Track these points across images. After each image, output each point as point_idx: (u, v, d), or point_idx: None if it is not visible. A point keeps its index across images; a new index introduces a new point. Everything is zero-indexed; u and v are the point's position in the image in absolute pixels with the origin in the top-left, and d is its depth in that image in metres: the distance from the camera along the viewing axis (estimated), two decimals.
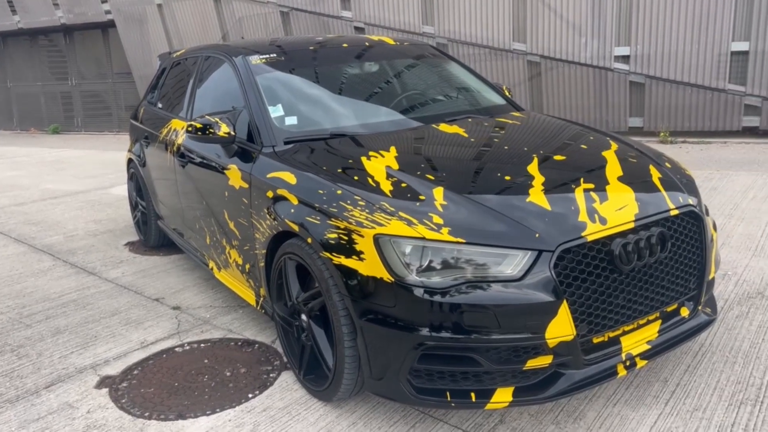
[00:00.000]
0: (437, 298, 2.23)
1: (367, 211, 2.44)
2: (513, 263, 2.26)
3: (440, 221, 2.33)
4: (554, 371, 2.34)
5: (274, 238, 2.92)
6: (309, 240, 2.60)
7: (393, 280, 2.29)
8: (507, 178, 2.60)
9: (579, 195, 2.50)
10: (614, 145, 3.06)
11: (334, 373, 2.61)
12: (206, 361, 3.25)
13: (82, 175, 9.17)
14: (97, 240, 5.62)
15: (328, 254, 2.49)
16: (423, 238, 2.29)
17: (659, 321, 2.58)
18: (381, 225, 2.36)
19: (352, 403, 2.78)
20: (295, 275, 2.86)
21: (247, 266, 3.34)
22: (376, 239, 2.34)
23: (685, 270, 2.62)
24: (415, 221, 2.34)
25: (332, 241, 2.49)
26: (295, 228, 2.68)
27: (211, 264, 3.90)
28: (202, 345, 3.44)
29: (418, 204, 2.43)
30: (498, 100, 3.98)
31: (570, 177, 2.64)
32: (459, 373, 2.33)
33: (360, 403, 2.78)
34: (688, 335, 2.65)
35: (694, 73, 8.75)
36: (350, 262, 2.42)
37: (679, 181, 2.81)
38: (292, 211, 2.73)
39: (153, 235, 5.07)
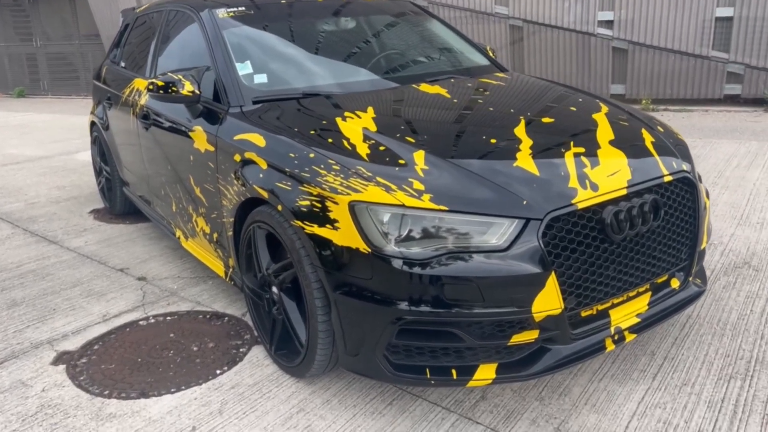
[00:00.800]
0: (417, 269, 2.07)
1: (342, 176, 2.25)
2: (498, 232, 2.10)
3: (421, 187, 2.16)
4: (540, 346, 2.21)
5: (243, 205, 2.72)
6: (279, 207, 2.41)
7: (370, 250, 2.12)
8: (492, 141, 2.43)
9: (569, 160, 2.34)
10: (604, 108, 2.90)
11: (307, 349, 2.45)
12: (172, 335, 3.07)
13: (47, 140, 8.80)
14: (59, 207, 5.36)
15: (299, 223, 2.31)
16: (402, 206, 2.11)
17: (649, 293, 2.46)
18: (357, 191, 2.18)
19: (326, 380, 2.63)
20: (265, 245, 2.68)
21: (215, 235, 3.15)
22: (352, 207, 2.16)
23: (677, 239, 2.49)
24: (394, 187, 2.16)
25: (304, 209, 2.30)
26: (265, 194, 2.48)
27: (178, 233, 3.69)
28: (168, 318, 3.25)
29: (397, 169, 2.25)
30: (481, 60, 3.78)
31: (559, 140, 2.47)
32: (439, 349, 2.18)
33: (334, 380, 2.63)
34: (679, 307, 2.53)
35: (677, 40, 8.61)
36: (324, 232, 2.24)
37: (672, 145, 2.67)
38: (261, 176, 2.54)
39: (118, 203, 4.83)
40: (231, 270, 3.09)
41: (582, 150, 2.41)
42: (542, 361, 2.20)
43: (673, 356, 2.69)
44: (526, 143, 2.41)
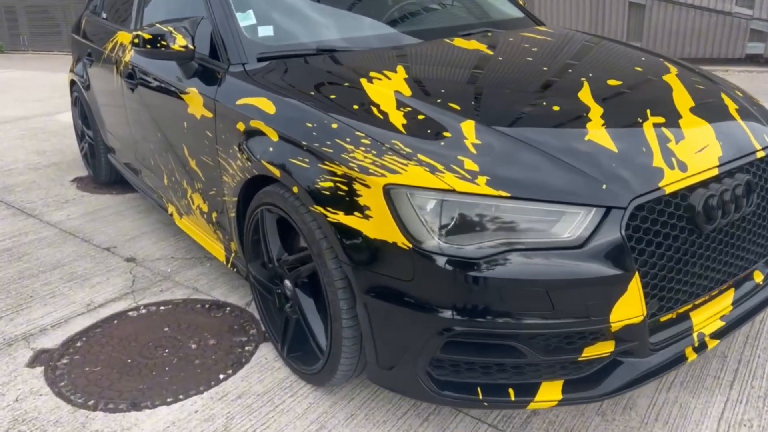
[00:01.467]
0: (470, 271, 1.67)
1: (373, 152, 1.83)
2: (572, 224, 1.69)
3: (474, 167, 1.74)
4: (612, 359, 1.84)
5: (248, 183, 2.30)
6: (294, 189, 1.99)
7: (410, 246, 1.71)
8: (555, 108, 2.00)
9: (649, 132, 1.92)
10: (673, 68, 2.47)
11: (329, 357, 2.06)
12: (167, 329, 2.68)
13: (27, 99, 8.24)
14: (39, 175, 4.90)
15: (320, 209, 1.89)
16: (452, 191, 1.70)
17: (732, 290, 2.08)
18: (394, 172, 1.76)
19: (348, 387, 2.26)
20: (275, 232, 2.26)
21: (214, 215, 2.73)
22: (388, 191, 1.75)
23: (765, 226, 2.10)
24: (440, 167, 1.74)
25: (326, 192, 1.89)
26: (276, 172, 2.06)
27: (171, 209, 3.26)
28: (162, 308, 2.86)
29: (443, 144, 1.82)
30: (514, 12, 3.32)
31: (633, 108, 2.05)
32: (494, 365, 1.80)
33: (358, 387, 2.26)
34: (763, 305, 2.16)
35: None
36: (351, 221, 1.83)
37: (757, 113, 2.25)
38: (271, 149, 2.11)
39: (103, 171, 4.38)
40: (233, 255, 2.69)
41: (662, 120, 1.99)
42: (615, 376, 1.82)
43: (749, 359, 2.33)
44: (596, 111, 1.98)
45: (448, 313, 1.71)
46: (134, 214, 3.99)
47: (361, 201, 1.80)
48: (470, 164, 1.75)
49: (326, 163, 1.91)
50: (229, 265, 2.75)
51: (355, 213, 1.82)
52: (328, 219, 1.88)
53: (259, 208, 2.24)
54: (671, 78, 2.33)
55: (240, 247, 2.55)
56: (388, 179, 1.75)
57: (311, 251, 1.99)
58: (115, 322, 2.76)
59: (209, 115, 2.49)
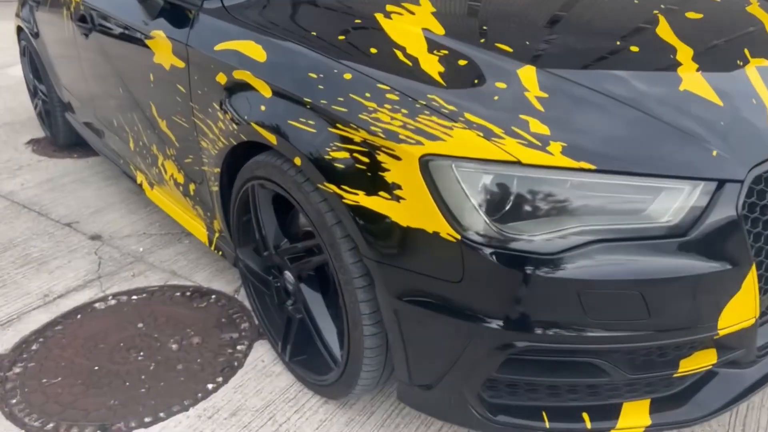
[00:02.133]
0: (541, 269, 1.25)
1: (403, 111, 1.38)
2: (674, 205, 1.28)
3: (543, 129, 1.30)
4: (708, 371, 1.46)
5: (234, 150, 1.84)
6: (297, 160, 1.54)
7: (458, 237, 1.29)
8: (633, 49, 1.55)
9: (754, 78, 1.49)
10: None
11: (345, 369, 1.66)
12: (141, 325, 2.25)
13: None
14: None
15: (333, 187, 1.45)
16: (516, 163, 1.26)
17: None
18: (433, 138, 1.31)
19: (366, 397, 1.87)
20: (271, 212, 1.82)
21: (192, 187, 2.26)
22: (426, 164, 1.31)
23: None
24: (497, 130, 1.30)
25: (340, 165, 1.44)
26: (271, 138, 1.60)
27: (140, 178, 2.78)
28: (135, 298, 2.41)
29: (496, 98, 1.38)
30: None
31: (728, 47, 1.61)
32: (564, 385, 1.41)
33: (378, 397, 1.87)
34: None
35: None
36: (375, 204, 1.39)
37: None
38: (263, 108, 1.64)
39: (61, 132, 3.84)
40: (217, 235, 2.24)
41: (764, 61, 1.56)
42: (712, 392, 1.45)
43: None
44: (685, 52, 1.54)
45: (510, 325, 1.30)
46: (99, 182, 3.49)
47: (389, 177, 1.36)
48: (537, 126, 1.30)
49: (339, 126, 1.45)
50: (212, 248, 2.30)
51: (381, 193, 1.38)
52: (344, 201, 1.43)
53: (249, 182, 1.79)
54: (755, 10, 1.89)
55: (225, 227, 2.10)
56: (426, 148, 1.31)
57: (320, 240, 1.55)
58: (79, 317, 2.32)
59: (180, 64, 2.00)
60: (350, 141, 1.43)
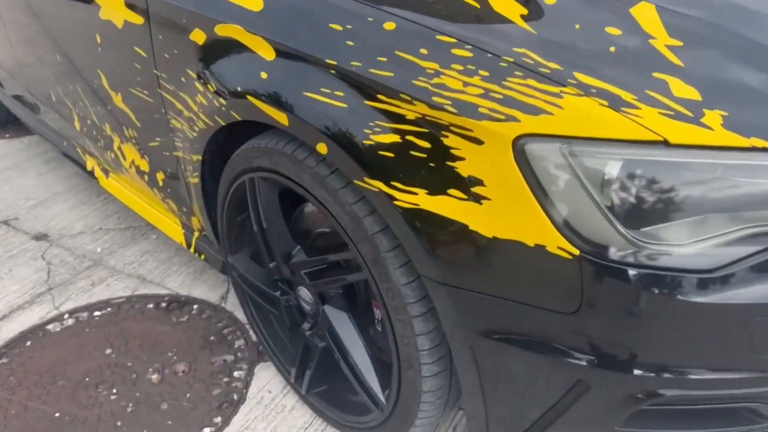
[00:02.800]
0: (699, 292, 0.88)
1: (482, 73, 0.96)
2: None
3: (692, 93, 0.91)
4: None
5: (221, 132, 1.39)
6: (321, 147, 1.11)
7: (576, 251, 0.90)
8: None
9: None
10: None
11: (391, 413, 1.28)
12: (109, 350, 1.82)
13: None
14: None
15: (378, 184, 1.04)
16: (662, 143, 0.87)
17: None
18: (534, 111, 0.91)
19: None
20: (278, 212, 1.39)
21: (160, 177, 1.80)
22: (522, 149, 0.91)
23: None
24: (628, 96, 0.90)
25: (388, 153, 1.03)
26: (279, 116, 1.16)
27: (92, 164, 2.28)
28: (97, 315, 1.97)
29: (612, 49, 0.98)
30: None
31: None
32: None
33: None
34: None
35: None
36: (444, 206, 0.99)
37: None
38: (264, 75, 1.20)
39: None
40: (196, 235, 1.81)
41: None
42: None
43: None
44: None
45: (652, 369, 0.94)
46: (39, 166, 2.96)
47: (464, 169, 0.96)
48: (681, 87, 0.91)
49: (381, 98, 1.03)
50: (191, 250, 1.87)
51: (451, 192, 0.98)
52: (396, 203, 1.03)
53: (245, 174, 1.35)
54: None
55: (209, 226, 1.67)
56: (524, 126, 0.91)
57: (356, 253, 1.15)
58: (29, 344, 1.87)
59: (137, 20, 1.52)
60: (400, 119, 1.02)
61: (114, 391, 1.68)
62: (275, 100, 1.17)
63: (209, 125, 1.39)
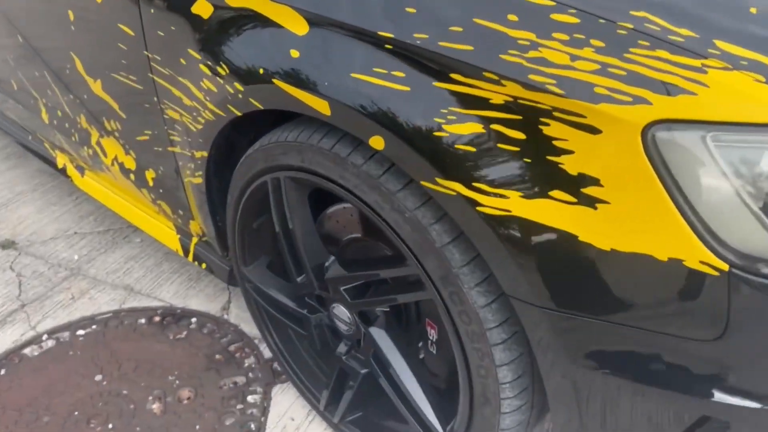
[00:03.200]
0: None
1: (596, 43, 0.76)
2: None
3: None
4: None
5: (235, 124, 1.16)
6: (375, 141, 0.90)
7: (724, 266, 0.72)
8: None
9: None
10: None
11: None
12: (100, 377, 1.58)
13: None
14: None
15: (456, 185, 0.83)
16: None
17: None
18: (670, 91, 0.72)
19: None
20: (309, 218, 1.17)
21: (150, 176, 1.56)
22: (653, 139, 0.72)
23: None
24: None
25: (468, 147, 0.82)
26: (318, 104, 0.94)
27: (63, 161, 2.01)
28: (81, 334, 1.72)
29: (753, 10, 0.79)
30: None
31: None
32: None
33: None
34: None
35: None
36: (544, 211, 0.79)
37: None
38: (297, 54, 0.97)
39: None
40: (195, 240, 1.58)
41: None
42: None
43: None
44: None
45: None
46: (5, 160, 2.66)
47: (572, 165, 0.77)
48: None
49: (457, 78, 0.83)
50: (189, 258, 1.63)
51: (555, 194, 0.78)
52: (481, 209, 0.83)
53: (267, 174, 1.13)
54: None
55: (213, 231, 1.44)
56: (656, 110, 0.72)
57: (421, 269, 0.95)
58: (3, 373, 1.61)
59: None
60: (483, 104, 0.81)
61: (110, 426, 1.45)
62: (311, 85, 0.95)
63: (219, 116, 1.16)
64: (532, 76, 0.78)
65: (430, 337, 1.12)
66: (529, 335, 0.88)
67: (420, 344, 1.18)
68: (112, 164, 1.70)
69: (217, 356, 1.62)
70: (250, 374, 1.57)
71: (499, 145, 0.81)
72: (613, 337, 0.81)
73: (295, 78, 0.97)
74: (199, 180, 1.34)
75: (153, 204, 1.66)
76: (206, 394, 1.52)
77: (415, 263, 0.95)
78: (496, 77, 0.80)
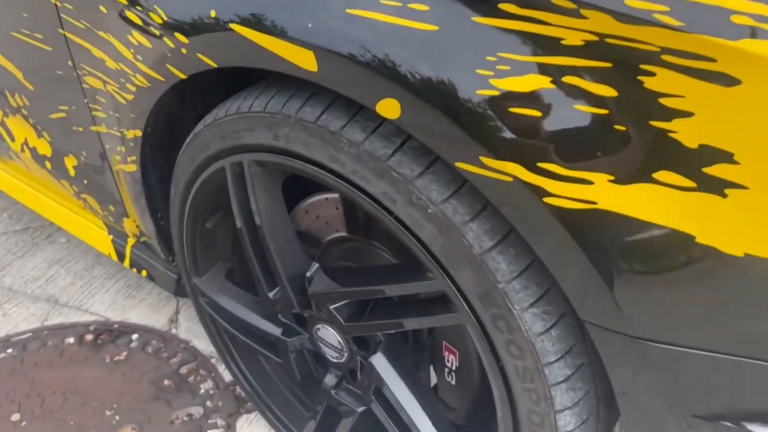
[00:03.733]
0: None
1: None
2: None
3: None
4: None
5: (176, 93, 0.87)
6: (384, 106, 0.63)
7: None
8: None
9: None
10: None
11: None
12: (17, 416, 1.26)
13: None
14: None
15: (512, 166, 0.57)
16: None
17: None
18: None
19: None
20: (283, 212, 0.88)
21: (70, 163, 1.23)
22: None
23: None
24: None
25: (527, 110, 0.57)
26: (299, 57, 0.67)
27: None
28: None
29: None
30: None
31: None
32: None
33: None
34: None
35: None
36: (643, 201, 0.54)
37: None
38: None
39: None
40: (132, 242, 1.27)
41: None
42: None
43: None
44: None
45: None
46: None
47: (690, 134, 0.52)
48: None
49: (509, 9, 0.56)
50: (126, 264, 1.32)
51: (661, 176, 0.53)
52: (550, 200, 0.57)
53: (225, 158, 0.84)
54: None
55: (153, 230, 1.14)
56: None
57: (450, 284, 0.68)
58: None
59: None
60: (552, 45, 0.55)
61: None
62: (287, 29, 0.67)
63: (155, 81, 0.86)
64: (630, 1, 0.52)
65: (448, 364, 0.87)
66: (611, 375, 0.63)
67: (431, 367, 0.93)
68: (22, 150, 1.36)
69: (166, 382, 1.33)
70: (208, 403, 1.28)
71: (578, 107, 0.56)
72: (746, 378, 0.57)
73: (262, 21, 0.69)
74: (133, 167, 1.03)
75: (77, 198, 1.33)
76: (154, 431, 1.23)
77: (441, 277, 0.68)
78: (572, 5, 0.54)
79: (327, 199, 0.92)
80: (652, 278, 0.57)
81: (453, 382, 0.87)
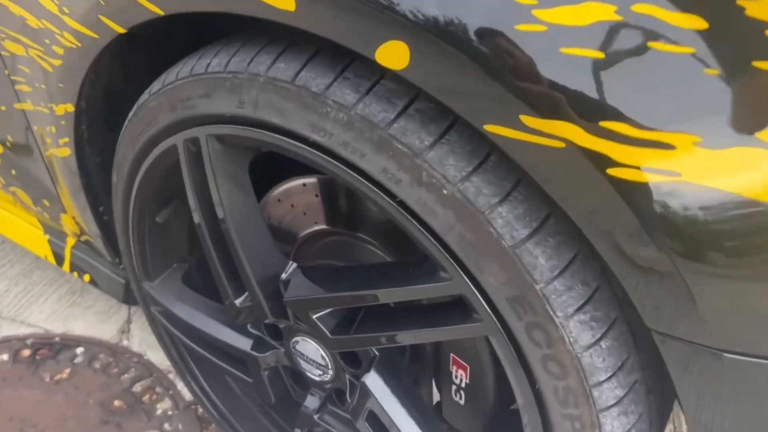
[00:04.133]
0: None
1: None
2: None
3: None
4: None
5: (111, 58, 0.70)
6: (389, 51, 0.48)
7: None
8: None
9: None
10: None
11: None
12: None
13: None
14: None
15: (564, 126, 0.43)
16: None
17: None
18: None
19: None
20: (251, 198, 0.72)
21: None
22: None
23: None
24: None
25: (584, 48, 0.42)
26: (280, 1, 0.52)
27: None
28: None
29: None
30: None
31: None
32: None
33: None
34: None
35: None
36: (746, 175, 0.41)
37: None
38: None
39: None
40: (72, 242, 1.09)
41: None
42: None
43: None
44: None
45: None
46: None
47: None
48: None
49: None
50: (65, 268, 1.14)
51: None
52: (615, 173, 0.43)
53: (177, 133, 0.68)
54: None
55: (96, 227, 0.97)
56: None
57: (470, 286, 0.54)
58: None
59: None
60: None
61: None
62: None
63: (87, 39, 0.69)
64: None
65: (457, 381, 0.72)
66: (683, 398, 0.49)
67: (433, 381, 0.78)
68: None
69: (117, 403, 1.15)
70: (166, 426, 1.11)
71: (653, 45, 0.41)
72: None
73: None
74: (67, 151, 0.86)
75: (5, 192, 1.15)
76: None
77: (459, 277, 0.53)
78: None
79: (305, 185, 0.76)
80: (751, 275, 0.43)
81: (462, 402, 0.73)
